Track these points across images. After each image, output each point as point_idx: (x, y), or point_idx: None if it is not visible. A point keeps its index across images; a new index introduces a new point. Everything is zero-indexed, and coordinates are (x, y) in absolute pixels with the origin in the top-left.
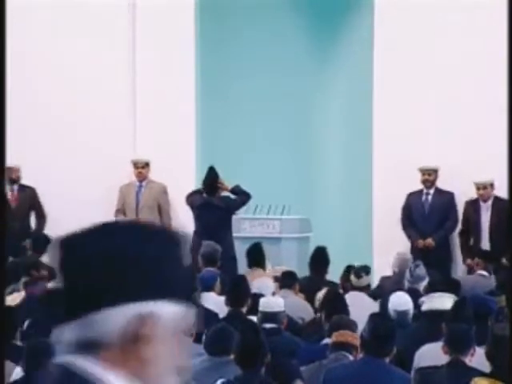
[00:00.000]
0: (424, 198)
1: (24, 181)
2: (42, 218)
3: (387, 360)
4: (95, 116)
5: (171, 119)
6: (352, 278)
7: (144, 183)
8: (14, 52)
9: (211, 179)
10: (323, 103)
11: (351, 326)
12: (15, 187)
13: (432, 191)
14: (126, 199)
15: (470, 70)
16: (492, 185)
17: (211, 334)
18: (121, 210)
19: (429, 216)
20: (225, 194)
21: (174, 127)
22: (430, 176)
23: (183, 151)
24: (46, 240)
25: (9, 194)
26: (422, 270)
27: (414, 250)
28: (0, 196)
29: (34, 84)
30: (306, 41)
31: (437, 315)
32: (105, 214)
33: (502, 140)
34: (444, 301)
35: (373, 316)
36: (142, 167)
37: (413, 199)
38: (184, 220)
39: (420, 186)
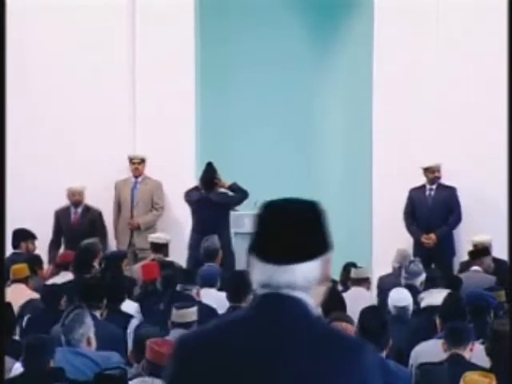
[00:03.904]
0: (428, 193)
1: (24, 177)
2: (102, 238)
3: (383, 354)
4: (95, 114)
5: (171, 117)
6: (352, 270)
7: (139, 179)
8: (13, 53)
9: (209, 175)
10: (323, 100)
11: (346, 320)
12: (78, 210)
13: (434, 186)
14: (121, 195)
15: (469, 68)
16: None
17: None
18: (116, 205)
19: (433, 211)
20: (222, 190)
21: (173, 124)
22: (438, 173)
23: (183, 148)
24: (24, 233)
25: (72, 216)
26: (417, 265)
27: (417, 245)
28: (0, 197)
29: (35, 82)
30: (307, 38)
31: (436, 311)
32: (104, 209)
33: (502, 137)
34: (443, 296)
35: (363, 311)
36: (138, 163)
37: (415, 194)
38: (180, 216)
39: (420, 181)
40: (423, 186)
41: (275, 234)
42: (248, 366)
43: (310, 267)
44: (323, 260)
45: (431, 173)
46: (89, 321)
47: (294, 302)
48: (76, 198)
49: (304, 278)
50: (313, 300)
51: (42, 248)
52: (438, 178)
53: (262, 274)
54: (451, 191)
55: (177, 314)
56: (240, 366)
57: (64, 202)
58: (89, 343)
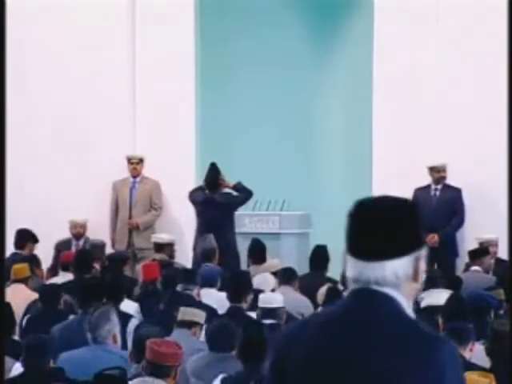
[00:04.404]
0: (433, 193)
1: (23, 177)
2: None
3: None
4: (95, 114)
5: (171, 117)
6: None
7: (138, 179)
8: (13, 53)
9: (213, 176)
10: (323, 100)
11: None
12: (80, 243)
13: (440, 187)
14: (119, 195)
15: (469, 68)
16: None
17: (213, 330)
18: (114, 205)
19: (437, 211)
20: (227, 190)
21: (174, 124)
22: (444, 173)
23: (183, 148)
24: (29, 235)
25: (73, 249)
26: None
27: None
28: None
29: (35, 82)
30: (307, 38)
31: (436, 311)
32: (102, 209)
33: (502, 137)
34: (443, 296)
35: None
36: (136, 163)
37: (420, 194)
38: (179, 217)
39: (420, 181)
40: (428, 186)
41: (365, 231)
42: (337, 361)
43: (400, 264)
44: (414, 257)
45: (436, 172)
46: (114, 318)
47: (382, 298)
48: (77, 230)
49: (393, 275)
50: (403, 297)
51: (41, 248)
52: (444, 177)
53: (353, 270)
54: (457, 192)
55: (184, 312)
56: (330, 361)
57: (64, 203)
58: (115, 341)
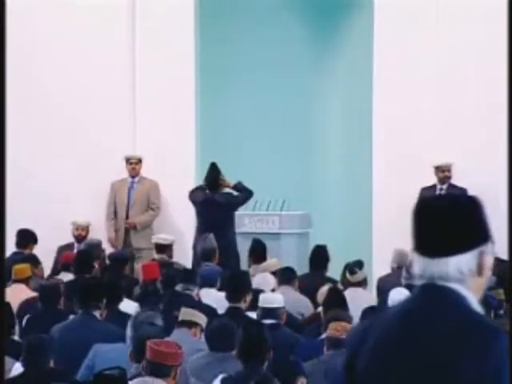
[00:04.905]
0: (438, 192)
1: (24, 177)
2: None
3: None
4: (95, 114)
5: (171, 117)
6: (347, 274)
7: (136, 179)
8: (14, 52)
9: (213, 175)
10: (323, 99)
11: (346, 319)
12: (82, 246)
13: (445, 186)
14: (117, 195)
15: (469, 68)
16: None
17: (213, 330)
18: (112, 206)
19: None
20: (227, 190)
21: (173, 124)
22: (449, 172)
23: (183, 148)
24: (30, 235)
25: (74, 251)
26: None
27: None
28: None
29: (35, 82)
30: (307, 39)
31: None
32: (102, 209)
33: (502, 137)
34: None
35: (365, 311)
36: (135, 163)
37: (426, 194)
38: (177, 217)
39: (420, 181)
40: (434, 186)
41: (428, 228)
42: (407, 355)
43: (463, 259)
44: (479, 252)
45: (441, 172)
46: (159, 324)
47: (448, 293)
48: (79, 232)
49: (456, 270)
50: (469, 291)
51: (41, 248)
52: (449, 177)
53: (418, 266)
54: (462, 192)
55: (184, 312)
56: (398, 355)
57: (64, 203)
58: None
